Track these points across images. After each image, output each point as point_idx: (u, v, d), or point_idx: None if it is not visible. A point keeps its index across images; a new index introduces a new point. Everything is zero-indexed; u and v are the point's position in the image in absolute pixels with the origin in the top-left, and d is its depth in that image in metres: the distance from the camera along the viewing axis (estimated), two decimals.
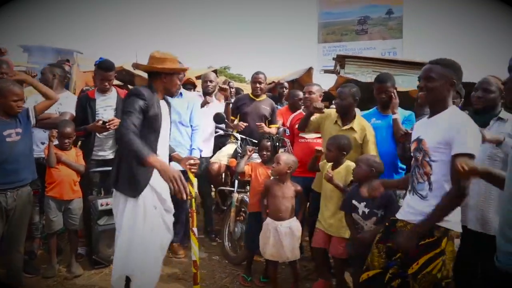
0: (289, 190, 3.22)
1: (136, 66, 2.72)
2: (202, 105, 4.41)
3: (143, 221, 2.57)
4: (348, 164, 3.16)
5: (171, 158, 2.98)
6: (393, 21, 13.98)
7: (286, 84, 5.88)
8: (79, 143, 3.91)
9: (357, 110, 4.42)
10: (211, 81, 4.72)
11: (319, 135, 3.73)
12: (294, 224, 3.19)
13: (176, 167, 3.57)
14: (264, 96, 4.65)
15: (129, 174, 2.57)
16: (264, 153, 3.56)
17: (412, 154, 2.25)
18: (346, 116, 3.42)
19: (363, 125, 3.40)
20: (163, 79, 2.65)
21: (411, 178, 2.23)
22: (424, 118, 2.35)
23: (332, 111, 3.59)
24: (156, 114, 2.57)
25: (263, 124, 4.25)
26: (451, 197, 1.95)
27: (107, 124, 3.46)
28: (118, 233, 2.63)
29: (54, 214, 3.47)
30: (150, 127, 2.57)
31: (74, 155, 3.57)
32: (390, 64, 8.28)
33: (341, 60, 8.53)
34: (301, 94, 4.87)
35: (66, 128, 3.50)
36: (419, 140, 2.16)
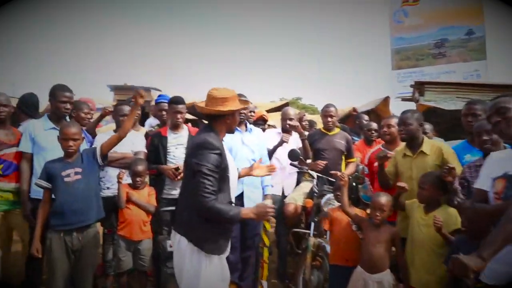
0: (384, 234, 2.89)
1: (198, 108, 2.52)
2: (280, 144, 4.23)
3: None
4: (448, 209, 2.73)
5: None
6: (474, 42, 12.97)
7: (366, 117, 5.50)
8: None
9: (441, 140, 3.95)
10: (290, 119, 4.46)
11: None
12: (386, 278, 2.81)
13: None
14: (337, 130, 4.35)
15: (211, 234, 2.33)
16: (339, 193, 3.27)
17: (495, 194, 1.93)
18: (412, 143, 3.15)
19: (437, 145, 3.11)
20: (226, 119, 2.46)
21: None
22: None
23: (397, 149, 3.36)
24: (226, 164, 2.39)
25: (338, 173, 3.76)
26: None
27: (179, 171, 3.43)
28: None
29: (123, 254, 3.43)
30: (222, 176, 2.37)
31: (146, 195, 3.54)
32: (475, 88, 7.51)
33: (419, 86, 7.95)
34: (374, 125, 4.57)
35: (138, 167, 3.49)
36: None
